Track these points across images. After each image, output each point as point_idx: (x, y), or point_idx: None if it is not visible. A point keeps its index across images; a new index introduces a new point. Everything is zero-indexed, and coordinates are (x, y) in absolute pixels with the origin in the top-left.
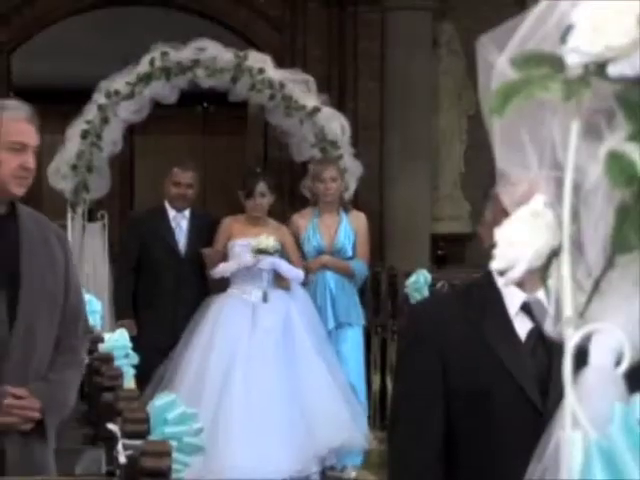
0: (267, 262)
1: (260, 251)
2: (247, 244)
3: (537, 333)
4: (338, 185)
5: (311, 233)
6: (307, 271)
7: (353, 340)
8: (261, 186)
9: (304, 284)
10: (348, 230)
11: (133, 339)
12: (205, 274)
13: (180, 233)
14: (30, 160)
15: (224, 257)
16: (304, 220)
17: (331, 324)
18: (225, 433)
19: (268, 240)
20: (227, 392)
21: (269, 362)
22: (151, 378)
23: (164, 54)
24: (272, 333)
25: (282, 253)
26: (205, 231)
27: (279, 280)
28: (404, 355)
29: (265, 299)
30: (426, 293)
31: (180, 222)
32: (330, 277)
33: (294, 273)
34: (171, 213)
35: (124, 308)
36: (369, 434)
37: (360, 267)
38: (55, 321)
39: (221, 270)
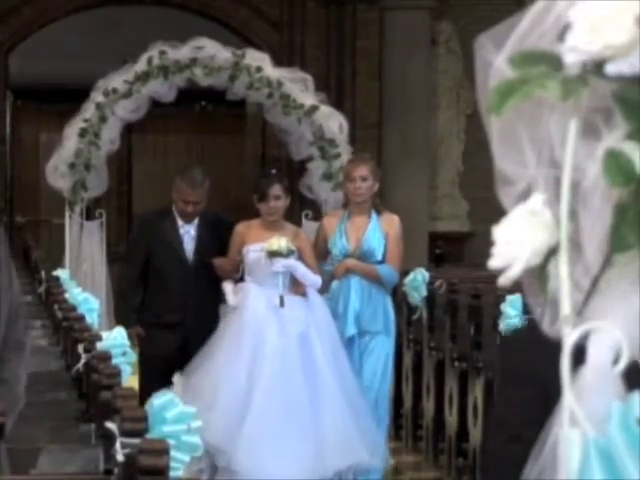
0: (281, 264)
1: (272, 253)
2: (261, 248)
3: None
4: (369, 185)
5: (338, 235)
6: (334, 276)
7: (375, 350)
8: (275, 189)
9: (321, 292)
10: (378, 233)
11: (140, 346)
12: (215, 281)
13: (189, 240)
14: None
15: (239, 265)
16: (333, 222)
17: (350, 331)
18: (234, 451)
19: (280, 241)
20: (240, 418)
21: (282, 383)
22: (155, 385)
23: (162, 53)
24: (288, 347)
25: (299, 256)
26: (215, 234)
27: (295, 286)
28: (504, 389)
29: (282, 303)
30: (424, 292)
31: (189, 230)
32: (354, 282)
33: (310, 278)
34: (179, 221)
35: (132, 320)
36: (387, 454)
37: (388, 272)
38: (4, 318)
39: (231, 302)
